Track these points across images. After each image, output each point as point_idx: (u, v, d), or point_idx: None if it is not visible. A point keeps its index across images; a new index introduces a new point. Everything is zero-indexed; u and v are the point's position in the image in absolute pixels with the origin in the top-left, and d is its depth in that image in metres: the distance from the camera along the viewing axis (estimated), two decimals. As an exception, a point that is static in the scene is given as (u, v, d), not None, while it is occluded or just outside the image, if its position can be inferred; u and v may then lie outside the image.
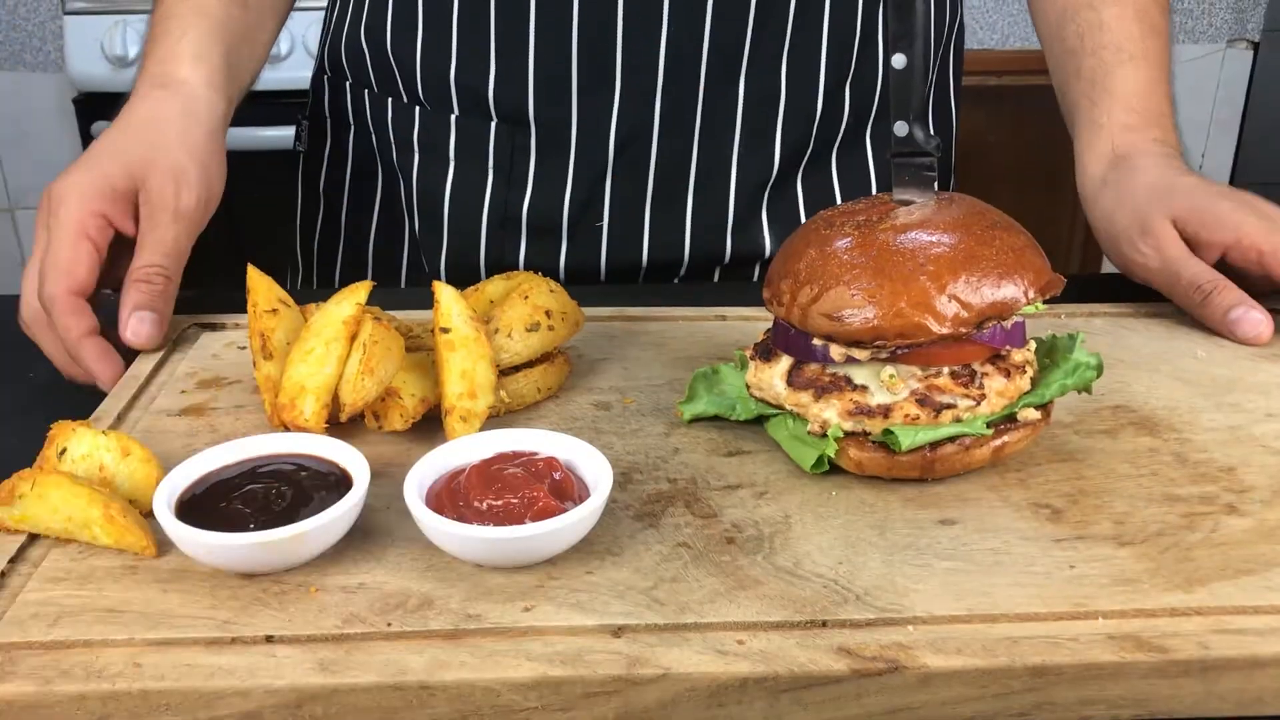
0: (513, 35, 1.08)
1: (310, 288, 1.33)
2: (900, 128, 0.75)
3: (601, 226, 1.14)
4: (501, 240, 1.16)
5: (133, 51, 2.54)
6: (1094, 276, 1.07)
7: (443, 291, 0.80)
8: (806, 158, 1.17)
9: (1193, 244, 0.99)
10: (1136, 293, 1.05)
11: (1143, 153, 1.06)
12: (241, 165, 2.52)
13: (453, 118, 1.13)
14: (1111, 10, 1.10)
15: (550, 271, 1.15)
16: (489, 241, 1.16)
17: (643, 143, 1.11)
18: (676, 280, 1.19)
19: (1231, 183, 3.02)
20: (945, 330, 0.70)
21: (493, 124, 1.12)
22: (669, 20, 1.05)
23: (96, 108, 2.60)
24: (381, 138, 1.19)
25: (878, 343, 0.71)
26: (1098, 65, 1.09)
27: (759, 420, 0.80)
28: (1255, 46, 2.88)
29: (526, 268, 1.15)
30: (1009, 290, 0.72)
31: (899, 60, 0.73)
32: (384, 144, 1.19)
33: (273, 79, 2.56)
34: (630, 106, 1.09)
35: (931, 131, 0.76)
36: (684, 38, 1.07)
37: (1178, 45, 2.85)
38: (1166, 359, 0.93)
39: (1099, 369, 0.78)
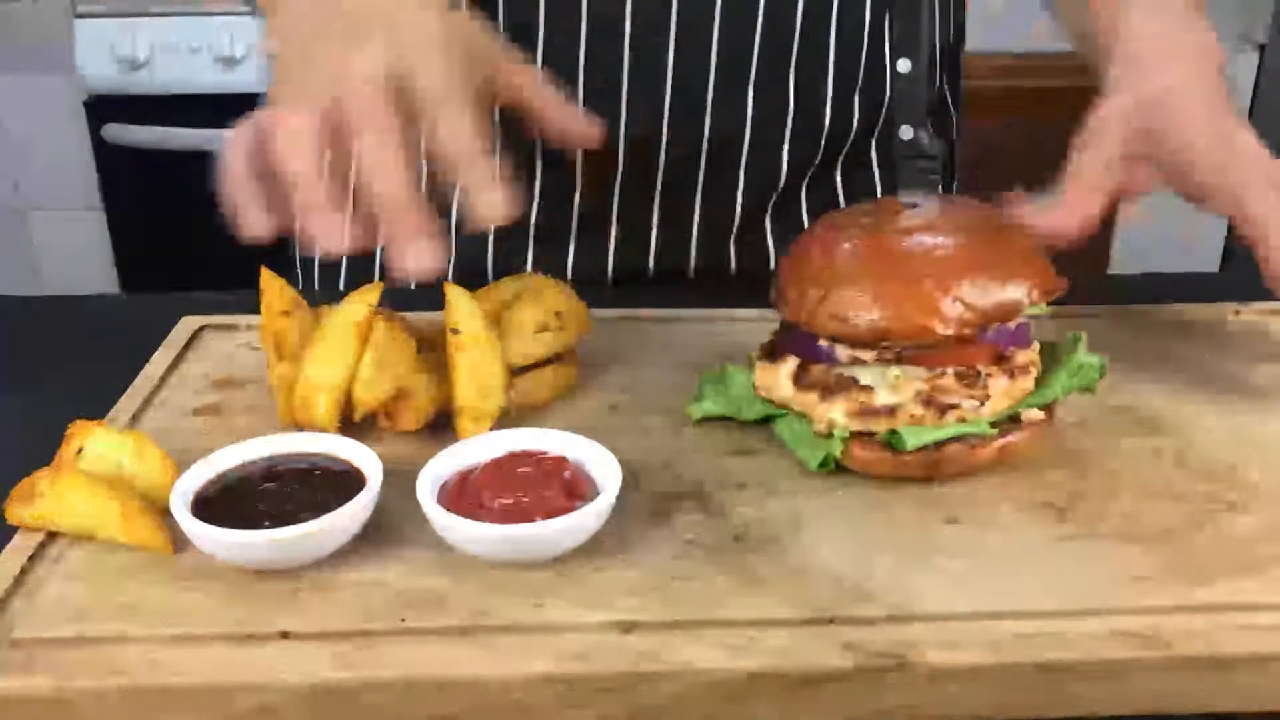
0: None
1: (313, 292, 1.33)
2: (906, 131, 0.76)
3: (609, 230, 1.15)
4: (509, 248, 1.16)
5: (143, 54, 2.55)
6: (1098, 278, 1.08)
7: (454, 292, 0.81)
8: (812, 170, 1.18)
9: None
10: (1141, 295, 1.05)
11: (1162, 38, 0.87)
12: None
13: None
14: None
15: (558, 276, 1.16)
16: (496, 250, 1.17)
17: (650, 156, 1.11)
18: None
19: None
20: (950, 332, 0.71)
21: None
22: (675, 33, 1.06)
23: (107, 110, 2.61)
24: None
25: (884, 344, 0.72)
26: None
27: (767, 420, 0.81)
28: (1261, 49, 2.88)
29: (534, 267, 1.16)
30: (1013, 292, 0.72)
31: (904, 65, 0.74)
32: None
33: (281, 82, 2.58)
34: (637, 121, 1.10)
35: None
36: (691, 51, 1.08)
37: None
38: (1170, 359, 0.94)
39: (1102, 369, 0.79)
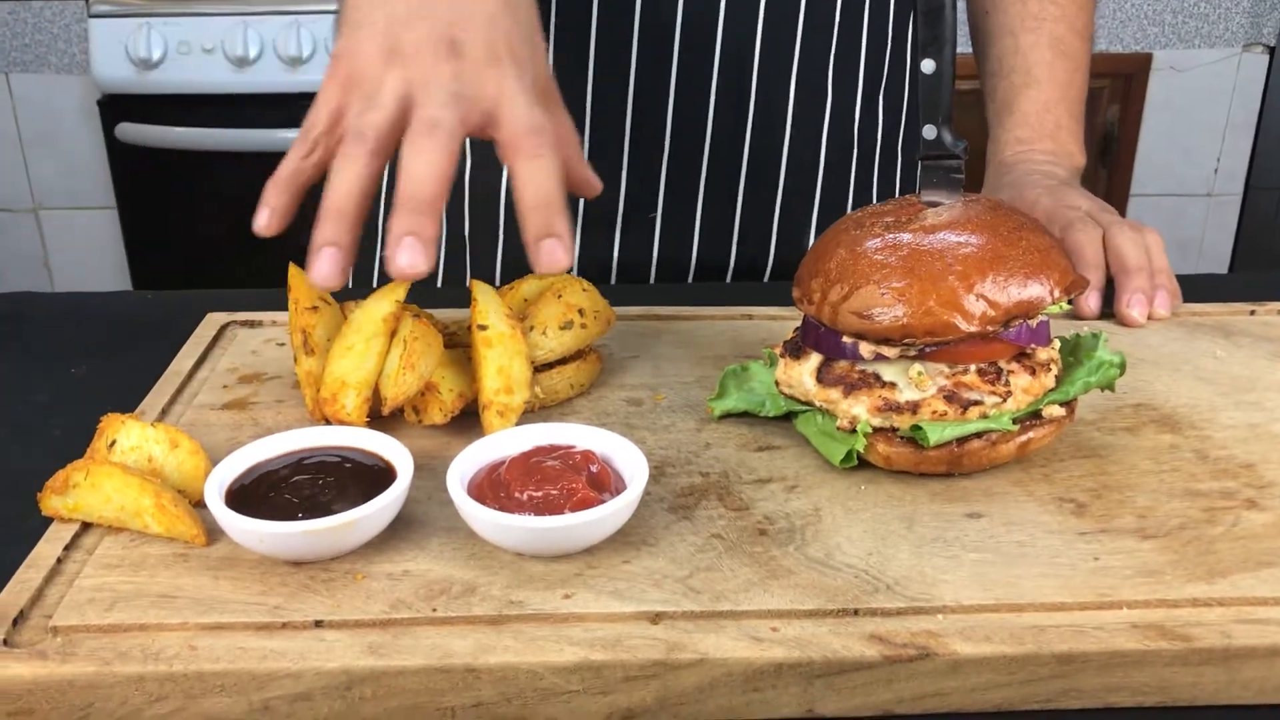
0: (574, 35, 1.10)
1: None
2: (929, 131, 0.77)
3: (655, 218, 1.17)
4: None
5: (156, 54, 2.57)
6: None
7: (480, 290, 0.82)
8: (853, 169, 1.21)
9: None
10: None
11: (1023, 161, 1.16)
12: (266, 166, 2.56)
13: None
14: (1027, 38, 1.19)
15: (603, 266, 1.17)
16: None
17: (696, 141, 1.13)
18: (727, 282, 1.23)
19: (1247, 186, 3.02)
20: (973, 328, 0.72)
21: None
22: (725, 15, 1.08)
23: (121, 109, 2.63)
24: None
25: (906, 340, 0.73)
26: (1008, 88, 1.19)
27: (788, 416, 0.82)
28: (1271, 51, 2.89)
29: (581, 262, 1.17)
30: (1035, 289, 0.73)
31: (928, 65, 0.75)
32: None
33: (295, 81, 2.60)
34: (685, 103, 1.12)
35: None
36: (739, 33, 1.10)
37: (1194, 50, 2.87)
38: (1186, 358, 0.95)
39: (1122, 367, 0.80)
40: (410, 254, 0.68)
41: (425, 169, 0.69)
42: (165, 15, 2.59)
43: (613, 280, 1.20)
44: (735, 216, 1.19)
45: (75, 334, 1.05)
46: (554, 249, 0.70)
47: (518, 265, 1.20)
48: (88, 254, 2.93)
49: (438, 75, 0.71)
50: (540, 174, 0.70)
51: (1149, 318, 1.00)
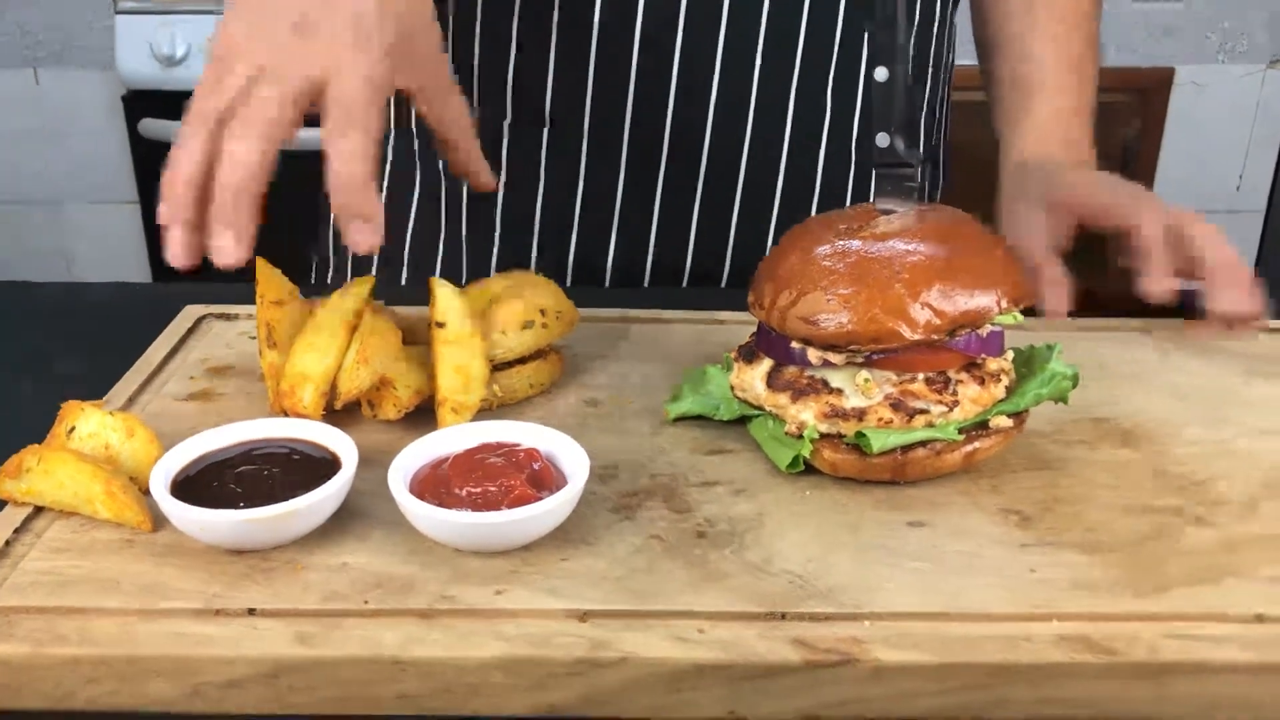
0: (574, 35, 1.10)
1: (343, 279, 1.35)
2: (882, 139, 0.77)
3: (650, 225, 1.17)
4: (552, 240, 1.18)
5: (180, 51, 2.60)
6: (1089, 290, 1.08)
7: (439, 287, 0.83)
8: (850, 180, 1.21)
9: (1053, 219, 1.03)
10: (1132, 307, 1.05)
11: (1043, 155, 1.13)
12: (282, 163, 2.59)
13: (505, 124, 1.16)
14: (1036, 46, 1.17)
15: (597, 270, 1.18)
16: (541, 241, 1.19)
17: (693, 148, 1.14)
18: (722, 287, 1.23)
19: (1269, 205, 2.98)
20: (917, 336, 0.72)
21: (545, 130, 1.14)
22: (726, 23, 1.08)
23: (144, 105, 2.66)
24: (425, 142, 1.22)
25: (852, 347, 0.73)
26: (1017, 97, 1.17)
27: (742, 420, 0.82)
28: (1295, 67, 2.85)
29: (576, 266, 1.18)
30: (982, 300, 0.73)
31: (881, 73, 0.75)
32: (428, 149, 1.22)
33: (313, 81, 2.62)
34: (684, 110, 1.12)
35: (921, 144, 0.79)
36: (739, 42, 1.10)
37: (1218, 66, 2.84)
38: (1159, 373, 0.94)
39: (1075, 380, 0.79)
40: (220, 247, 0.69)
41: (234, 159, 0.69)
42: (188, 13, 2.62)
43: (606, 283, 1.21)
44: (731, 224, 1.19)
45: (66, 325, 1.06)
46: (362, 230, 0.71)
47: (514, 267, 1.21)
48: (109, 247, 2.97)
49: (279, 55, 0.71)
50: (345, 149, 0.70)
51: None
